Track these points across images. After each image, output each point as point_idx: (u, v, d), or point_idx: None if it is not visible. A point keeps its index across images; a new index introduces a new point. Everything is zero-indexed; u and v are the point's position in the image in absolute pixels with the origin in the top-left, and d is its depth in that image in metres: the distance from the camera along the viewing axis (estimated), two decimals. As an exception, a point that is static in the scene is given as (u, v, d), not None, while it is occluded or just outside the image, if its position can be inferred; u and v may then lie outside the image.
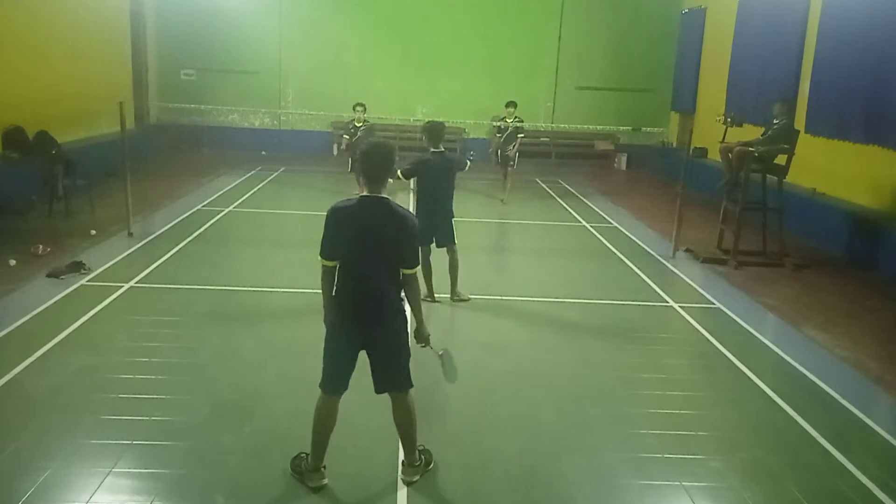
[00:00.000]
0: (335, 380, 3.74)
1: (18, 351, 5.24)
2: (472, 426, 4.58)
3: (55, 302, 6.35)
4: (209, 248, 8.53)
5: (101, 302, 6.37)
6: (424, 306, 4.13)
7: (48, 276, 6.97)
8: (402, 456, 3.96)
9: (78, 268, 7.16)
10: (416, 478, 3.87)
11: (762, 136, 8.93)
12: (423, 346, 3.91)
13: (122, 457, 3.95)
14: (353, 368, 3.75)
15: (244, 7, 16.37)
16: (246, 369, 5.24)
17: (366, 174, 3.66)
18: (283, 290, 7.09)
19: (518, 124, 12.26)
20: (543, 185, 14.32)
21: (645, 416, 4.80)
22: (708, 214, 10.77)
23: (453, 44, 17.01)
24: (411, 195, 10.71)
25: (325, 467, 3.83)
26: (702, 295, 7.62)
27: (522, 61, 17.27)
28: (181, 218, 9.85)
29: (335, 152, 11.25)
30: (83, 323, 5.90)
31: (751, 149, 8.73)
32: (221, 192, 11.81)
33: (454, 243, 6.84)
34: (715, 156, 12.28)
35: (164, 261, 7.81)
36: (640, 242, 9.79)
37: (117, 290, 6.70)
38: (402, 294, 3.76)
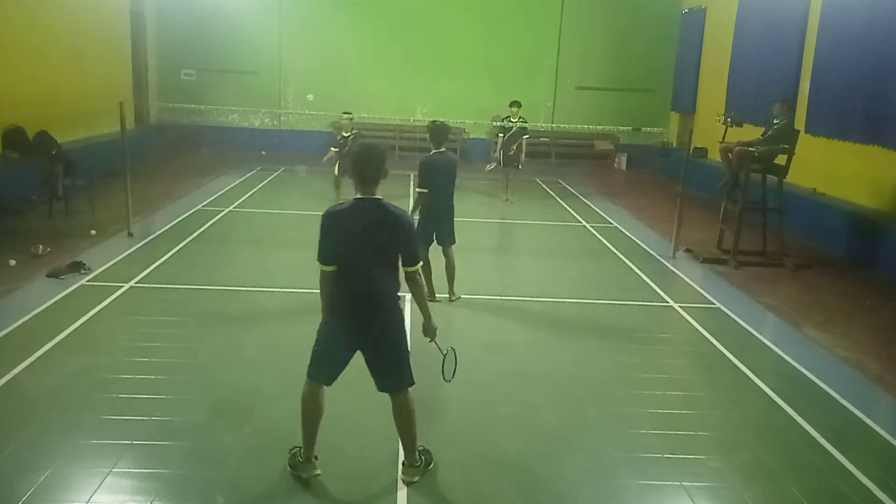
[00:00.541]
0: (324, 372, 3.77)
1: (18, 351, 5.24)
2: (472, 426, 4.58)
3: (55, 302, 6.35)
4: (209, 248, 8.53)
5: (101, 302, 6.37)
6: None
7: (48, 276, 6.97)
8: (402, 456, 3.96)
9: (78, 268, 7.16)
10: (417, 478, 3.87)
11: (762, 136, 8.93)
12: (430, 341, 3.93)
13: (122, 457, 3.95)
14: (345, 365, 3.78)
15: (244, 7, 16.37)
16: (246, 369, 5.25)
17: (358, 177, 3.65)
18: (282, 290, 7.09)
19: (523, 124, 12.26)
20: (543, 185, 14.32)
21: (645, 416, 4.80)
22: (708, 214, 10.77)
23: (453, 44, 17.01)
24: (410, 196, 10.73)
25: (317, 457, 3.85)
26: (702, 295, 7.62)
27: (522, 61, 17.27)
28: (181, 218, 9.85)
29: (324, 160, 11.25)
30: (83, 323, 5.90)
31: (751, 149, 8.73)
32: (221, 192, 11.81)
33: (453, 242, 6.85)
34: (715, 156, 12.29)
35: (164, 261, 7.81)
36: (640, 242, 9.79)
37: (117, 290, 6.70)
38: (399, 293, 3.76)
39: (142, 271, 7.33)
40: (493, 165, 13.10)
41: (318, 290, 3.70)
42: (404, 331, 3.83)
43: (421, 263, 3.85)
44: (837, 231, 9.65)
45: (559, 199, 12.90)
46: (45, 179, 9.70)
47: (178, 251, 8.22)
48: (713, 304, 7.30)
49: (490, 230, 10.92)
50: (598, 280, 8.11)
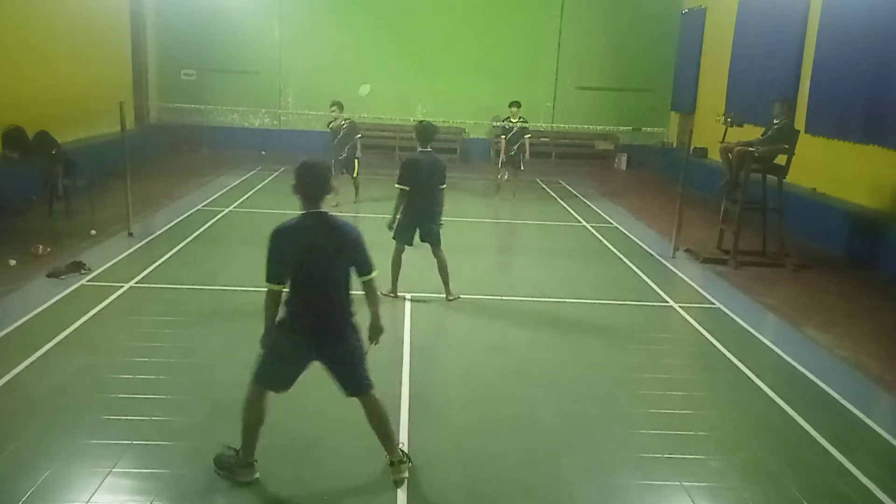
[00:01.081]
0: (275, 380, 3.75)
1: (18, 351, 5.24)
2: (472, 426, 4.58)
3: (55, 302, 6.35)
4: (209, 248, 8.53)
5: (101, 302, 6.37)
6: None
7: (48, 276, 6.97)
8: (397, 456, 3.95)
9: (78, 268, 7.16)
10: (405, 475, 3.87)
11: (762, 136, 8.92)
12: (374, 343, 3.87)
13: (122, 457, 3.96)
14: (298, 376, 3.75)
15: (244, 7, 16.37)
16: (246, 369, 5.17)
17: (302, 193, 3.63)
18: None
19: (523, 124, 12.26)
20: (543, 185, 14.31)
21: (645, 416, 4.80)
22: (708, 214, 10.76)
23: (453, 43, 17.01)
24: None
25: (256, 461, 3.81)
26: (702, 295, 7.62)
27: (522, 61, 17.27)
28: (181, 218, 9.85)
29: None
30: (83, 323, 5.90)
31: (751, 149, 8.73)
32: (221, 192, 11.81)
33: (439, 243, 6.86)
34: (715, 156, 12.28)
35: (164, 261, 7.81)
36: (640, 242, 9.79)
37: (117, 290, 6.70)
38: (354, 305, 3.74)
39: (142, 271, 7.33)
40: (505, 174, 12.59)
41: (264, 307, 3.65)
42: (359, 338, 3.79)
43: (376, 272, 3.80)
44: (837, 231, 9.65)
45: (559, 200, 12.90)
46: (45, 179, 9.70)
47: (178, 251, 8.22)
48: (713, 304, 7.30)
49: (490, 230, 10.92)
50: (598, 280, 8.11)
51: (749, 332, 6.52)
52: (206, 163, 14.87)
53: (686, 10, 16.77)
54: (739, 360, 5.78)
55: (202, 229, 9.30)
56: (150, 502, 3.60)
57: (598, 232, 10.32)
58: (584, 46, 17.33)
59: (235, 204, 11.01)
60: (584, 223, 10.93)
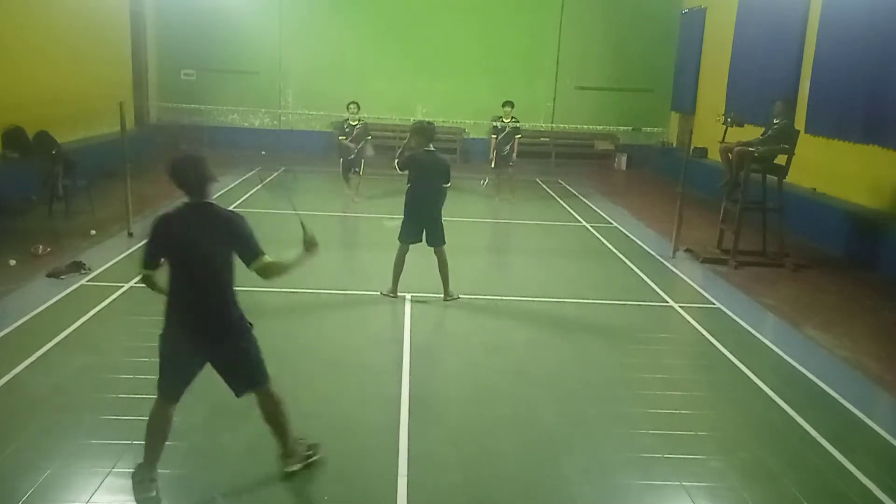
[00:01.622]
0: (171, 386, 3.66)
1: (19, 351, 5.24)
2: (472, 426, 4.58)
3: (55, 302, 6.35)
4: (209, 248, 8.51)
5: (101, 302, 6.37)
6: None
7: (48, 276, 6.97)
8: (399, 455, 3.96)
9: (78, 268, 7.16)
10: (297, 467, 3.82)
11: (762, 136, 8.92)
12: (314, 249, 3.90)
13: (122, 457, 3.95)
14: (193, 378, 3.67)
15: (244, 7, 16.36)
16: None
17: (183, 187, 3.52)
18: (281, 290, 7.06)
19: (515, 124, 12.26)
20: (543, 185, 14.32)
21: (645, 416, 4.80)
22: (708, 214, 10.76)
23: (453, 43, 17.01)
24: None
25: (154, 480, 3.61)
26: (702, 295, 7.62)
27: (522, 61, 17.26)
28: (181, 218, 9.82)
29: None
30: (83, 323, 5.90)
31: (751, 149, 8.73)
32: (221, 192, 11.78)
33: (443, 243, 6.86)
34: (715, 156, 12.28)
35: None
36: (640, 242, 9.79)
37: (117, 290, 6.70)
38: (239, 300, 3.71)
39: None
40: (487, 181, 13.29)
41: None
42: (248, 333, 3.72)
43: (265, 257, 3.71)
44: (837, 231, 9.65)
45: (559, 199, 12.90)
46: (45, 179, 9.70)
47: (178, 251, 8.21)
48: (713, 304, 7.30)
49: (490, 230, 10.92)
50: (598, 280, 8.11)
51: (749, 332, 6.52)
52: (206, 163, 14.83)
53: (686, 10, 16.77)
54: (739, 360, 5.78)
55: (202, 229, 9.28)
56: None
57: (597, 232, 10.32)
58: (584, 46, 17.33)
59: (235, 204, 10.99)
60: (584, 223, 10.93)
